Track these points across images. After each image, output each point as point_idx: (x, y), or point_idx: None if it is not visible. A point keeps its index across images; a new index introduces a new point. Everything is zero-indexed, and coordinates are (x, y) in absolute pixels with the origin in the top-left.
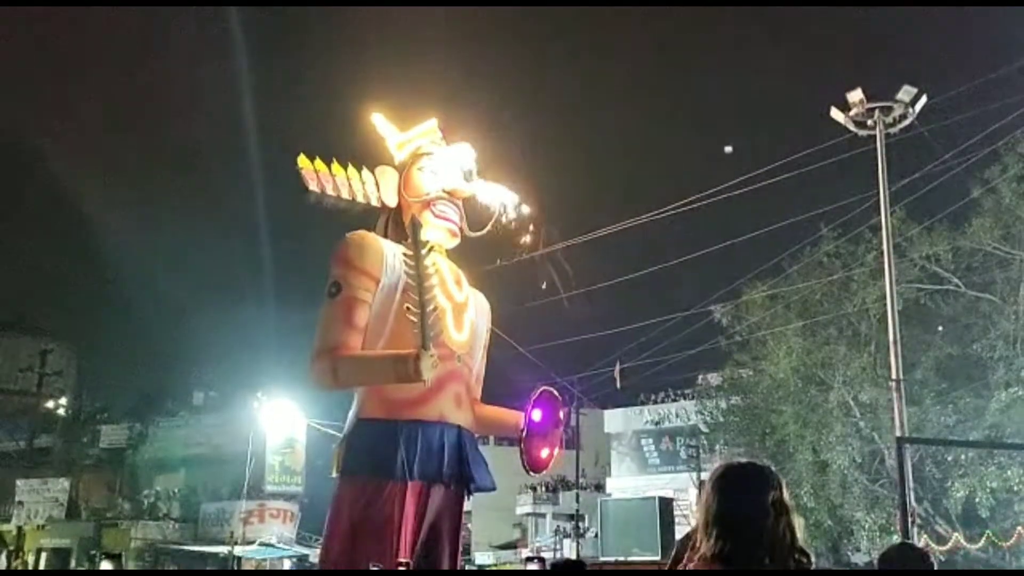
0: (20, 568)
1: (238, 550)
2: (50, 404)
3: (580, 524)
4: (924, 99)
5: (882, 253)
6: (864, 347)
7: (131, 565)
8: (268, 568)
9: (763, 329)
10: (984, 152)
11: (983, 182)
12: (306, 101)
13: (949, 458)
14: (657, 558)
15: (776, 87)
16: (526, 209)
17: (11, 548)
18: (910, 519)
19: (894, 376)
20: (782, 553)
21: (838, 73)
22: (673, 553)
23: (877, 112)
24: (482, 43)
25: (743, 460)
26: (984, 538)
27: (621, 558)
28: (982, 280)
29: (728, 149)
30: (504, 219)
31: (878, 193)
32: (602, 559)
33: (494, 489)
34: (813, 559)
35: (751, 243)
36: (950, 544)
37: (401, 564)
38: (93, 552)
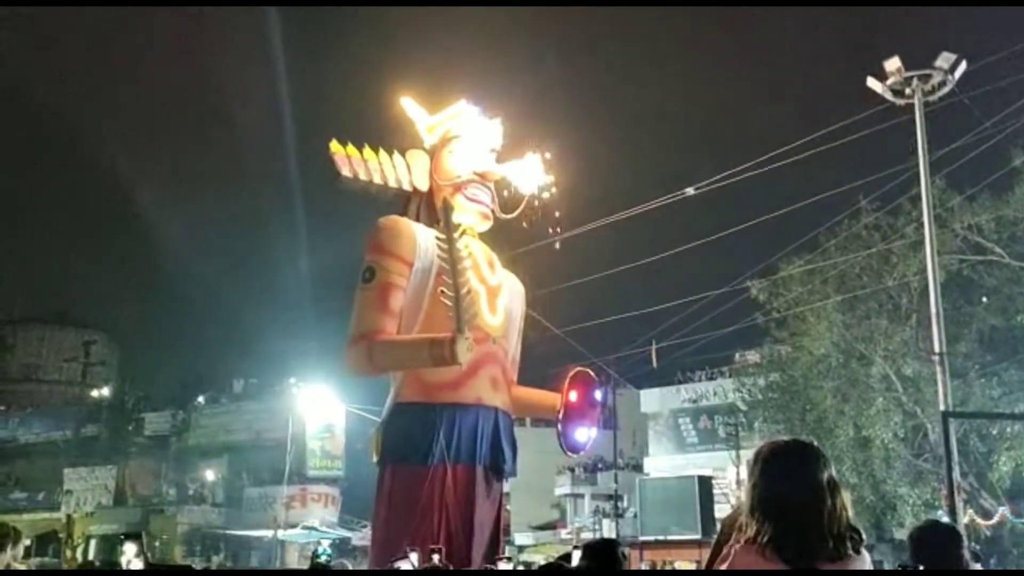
0: (69, 555)
1: (282, 533)
2: (95, 394)
3: (619, 504)
4: (963, 66)
5: (922, 224)
6: (905, 320)
7: (178, 549)
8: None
9: (801, 305)
10: None
11: None
12: (341, 88)
13: (994, 431)
14: (697, 536)
15: (812, 58)
16: (555, 185)
17: (62, 535)
18: (956, 493)
19: (937, 349)
20: (840, 534)
21: (876, 42)
22: (717, 536)
23: (915, 80)
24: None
25: (786, 438)
26: None
27: (660, 537)
28: None
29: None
30: (536, 200)
31: (917, 163)
32: (641, 538)
33: (514, 475)
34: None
35: (788, 217)
36: (996, 518)
37: (434, 550)
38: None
